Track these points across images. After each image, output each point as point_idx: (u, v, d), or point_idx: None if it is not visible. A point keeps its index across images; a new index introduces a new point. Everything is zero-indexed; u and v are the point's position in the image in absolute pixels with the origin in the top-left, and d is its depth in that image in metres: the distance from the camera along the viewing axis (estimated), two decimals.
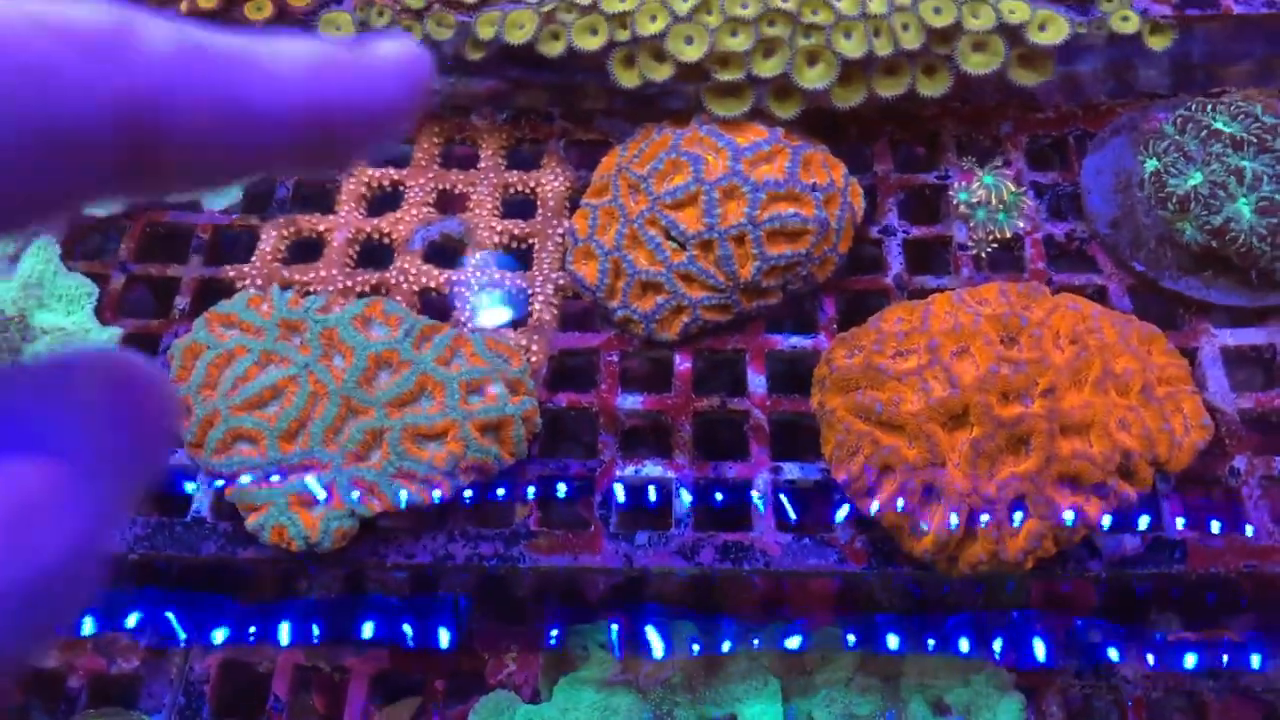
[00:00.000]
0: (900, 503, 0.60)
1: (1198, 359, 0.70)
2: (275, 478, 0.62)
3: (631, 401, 0.70)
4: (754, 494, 0.66)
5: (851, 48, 0.73)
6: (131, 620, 0.71)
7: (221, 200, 0.78)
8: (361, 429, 0.63)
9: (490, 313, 0.73)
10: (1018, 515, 0.60)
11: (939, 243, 0.78)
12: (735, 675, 0.70)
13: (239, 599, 0.73)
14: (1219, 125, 0.71)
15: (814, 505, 0.68)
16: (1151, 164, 0.71)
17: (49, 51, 0.15)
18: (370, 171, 0.81)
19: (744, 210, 0.70)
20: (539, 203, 0.79)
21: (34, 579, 0.14)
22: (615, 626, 0.70)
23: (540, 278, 0.75)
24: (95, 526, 0.15)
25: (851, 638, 0.69)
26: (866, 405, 0.63)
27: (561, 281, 0.75)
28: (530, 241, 0.77)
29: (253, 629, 0.71)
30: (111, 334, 0.72)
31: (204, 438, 0.64)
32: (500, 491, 0.66)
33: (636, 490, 0.68)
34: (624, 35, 0.74)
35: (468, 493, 0.65)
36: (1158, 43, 0.76)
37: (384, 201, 0.81)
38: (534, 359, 0.71)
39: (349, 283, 0.74)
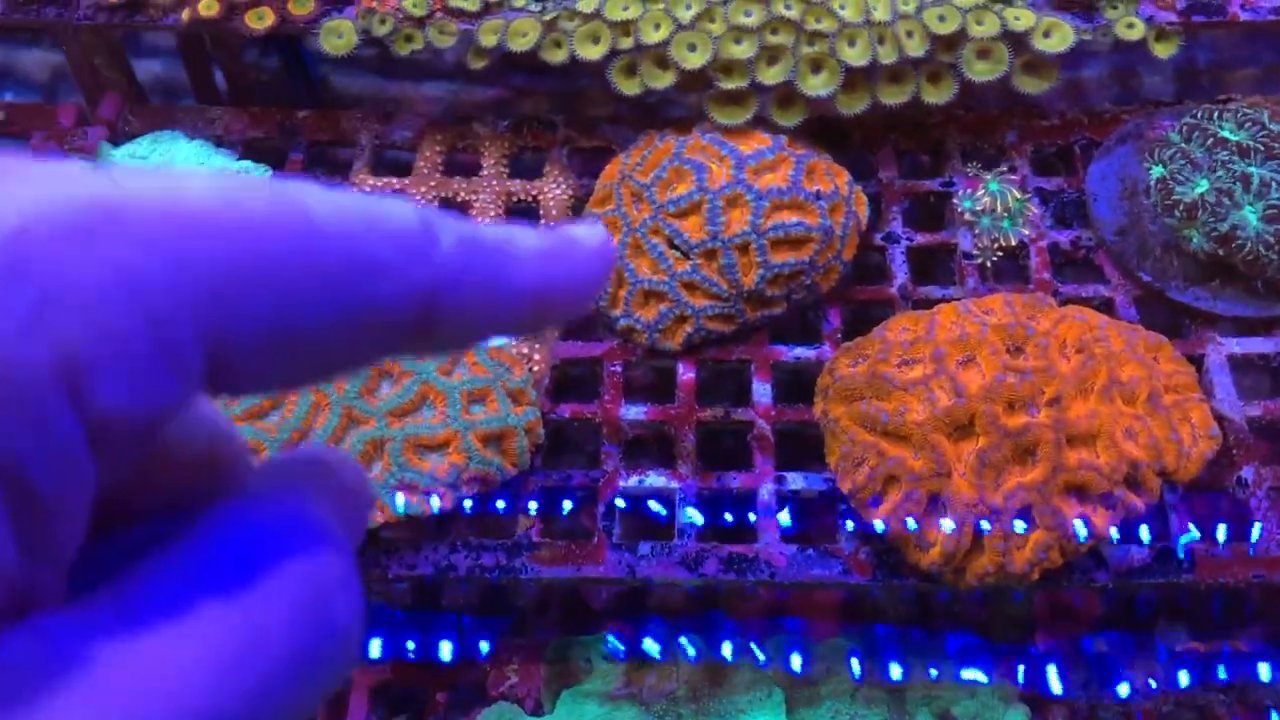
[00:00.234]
0: (906, 515, 0.60)
1: (1204, 366, 0.70)
2: None
3: (635, 412, 0.69)
4: (758, 505, 0.66)
5: (855, 55, 0.72)
6: None
7: None
8: (362, 439, 0.63)
9: None
10: (1023, 525, 0.59)
11: (944, 251, 0.77)
12: (739, 686, 0.69)
13: None
14: (1225, 132, 0.71)
15: (819, 515, 0.67)
16: (1157, 171, 0.71)
17: (378, 250, 0.17)
18: (372, 180, 0.80)
19: (748, 219, 0.69)
20: (541, 211, 0.79)
21: (331, 652, 0.17)
22: (614, 638, 0.70)
23: None
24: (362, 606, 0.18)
25: (855, 663, 0.68)
26: (871, 415, 0.62)
27: None
28: None
29: None
30: None
31: None
32: (500, 504, 0.66)
33: (640, 498, 0.67)
34: (627, 43, 0.73)
35: (468, 503, 0.65)
36: (1163, 50, 0.76)
37: None
38: (536, 368, 0.71)
39: None
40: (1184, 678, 0.69)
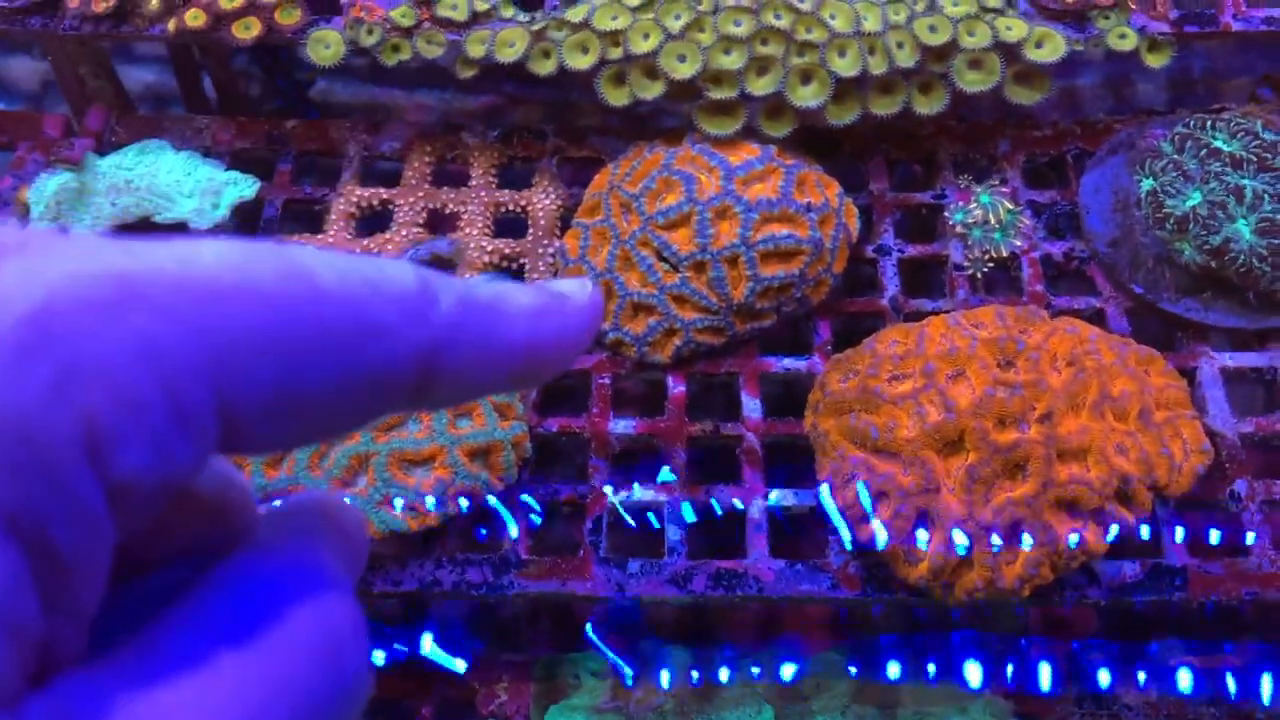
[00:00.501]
0: (896, 530, 0.59)
1: (1197, 380, 0.69)
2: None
3: (624, 426, 0.69)
4: (747, 520, 0.65)
5: (845, 66, 0.72)
6: None
7: (208, 219, 0.77)
8: (347, 454, 0.63)
9: None
10: (999, 541, 0.59)
11: (935, 263, 0.77)
12: (729, 702, 0.69)
13: None
14: (1218, 143, 0.70)
15: (809, 530, 0.67)
16: (1149, 183, 0.70)
17: (381, 313, 0.18)
18: (359, 190, 0.80)
19: (737, 231, 0.69)
20: (530, 222, 0.78)
21: (344, 699, 0.18)
22: (609, 653, 0.69)
23: None
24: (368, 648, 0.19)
25: (853, 670, 0.68)
26: (861, 430, 0.62)
27: None
28: (521, 262, 0.76)
29: None
30: None
31: None
32: (488, 518, 0.65)
33: (630, 512, 0.67)
34: (616, 53, 0.73)
35: (455, 516, 0.64)
36: (1156, 60, 0.75)
37: (373, 221, 0.80)
38: None
39: None
40: (1178, 688, 0.68)
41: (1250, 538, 0.64)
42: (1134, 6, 0.76)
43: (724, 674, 0.68)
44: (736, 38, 0.72)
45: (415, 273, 0.19)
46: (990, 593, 0.59)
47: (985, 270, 0.74)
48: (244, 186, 0.79)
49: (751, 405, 0.69)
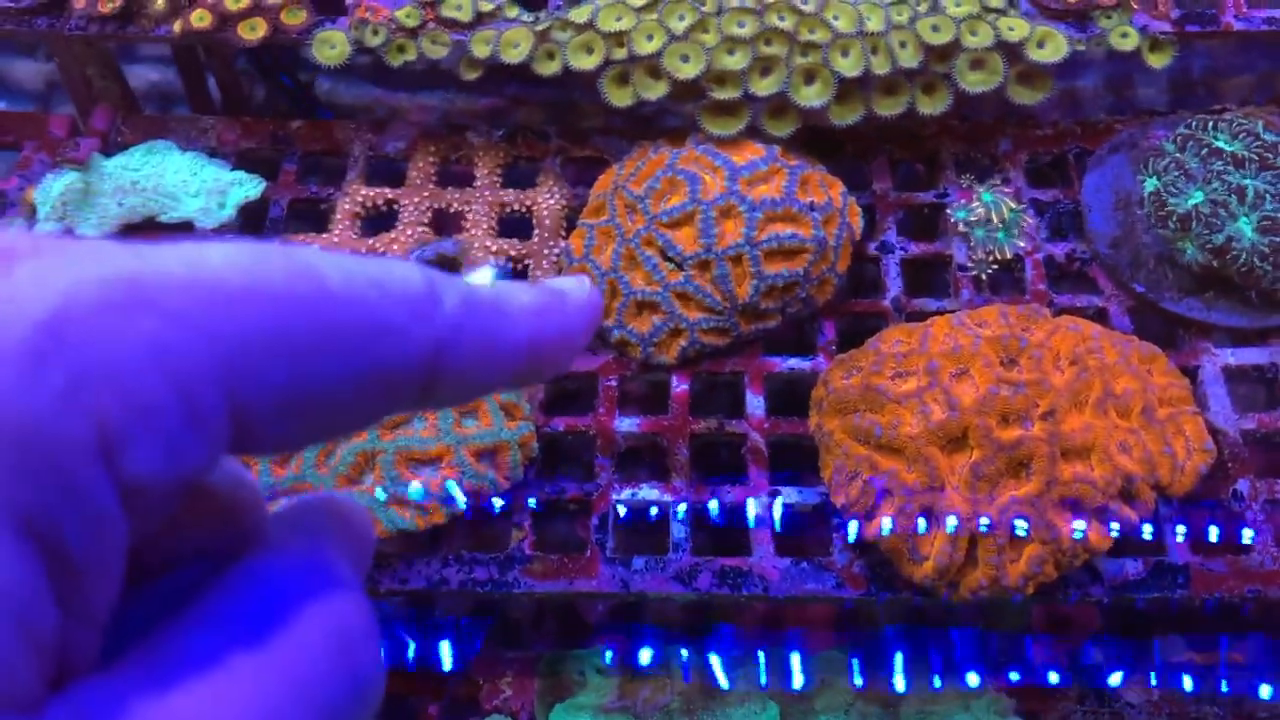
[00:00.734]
0: (900, 528, 0.60)
1: (1199, 378, 0.70)
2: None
3: (628, 424, 0.69)
4: (751, 517, 0.65)
5: (849, 66, 0.72)
6: None
7: (214, 219, 0.77)
8: (353, 451, 0.63)
9: None
10: (1019, 533, 0.59)
11: (939, 263, 0.77)
12: (734, 701, 0.69)
13: None
14: (1220, 143, 0.71)
15: (813, 528, 0.67)
16: (1151, 183, 0.71)
17: (388, 314, 0.18)
18: (365, 190, 0.80)
19: (741, 230, 0.69)
20: (535, 222, 0.79)
21: (357, 701, 0.18)
22: (610, 653, 0.69)
23: None
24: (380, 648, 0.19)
25: (859, 679, 0.68)
26: (865, 428, 0.62)
27: None
28: (526, 262, 0.77)
29: None
30: None
31: None
32: (493, 517, 0.66)
33: (635, 510, 0.67)
34: (620, 54, 0.73)
35: (462, 515, 0.64)
36: (1157, 60, 0.76)
37: (379, 220, 0.80)
38: None
39: None
40: (1182, 687, 0.69)
41: (1251, 535, 0.64)
42: (1136, 6, 0.76)
43: (724, 681, 0.69)
44: (740, 38, 0.72)
45: (421, 272, 0.19)
46: (995, 591, 0.60)
47: (989, 270, 0.75)
48: (249, 186, 0.79)
49: (756, 404, 0.70)
